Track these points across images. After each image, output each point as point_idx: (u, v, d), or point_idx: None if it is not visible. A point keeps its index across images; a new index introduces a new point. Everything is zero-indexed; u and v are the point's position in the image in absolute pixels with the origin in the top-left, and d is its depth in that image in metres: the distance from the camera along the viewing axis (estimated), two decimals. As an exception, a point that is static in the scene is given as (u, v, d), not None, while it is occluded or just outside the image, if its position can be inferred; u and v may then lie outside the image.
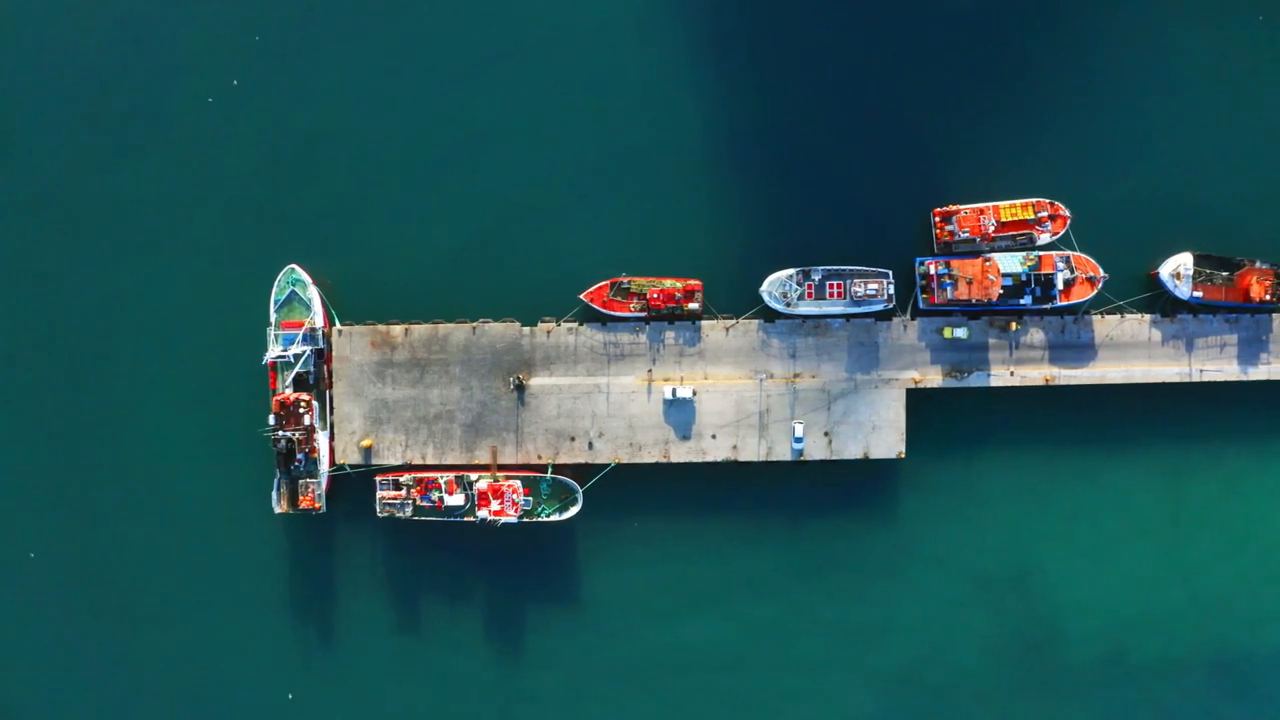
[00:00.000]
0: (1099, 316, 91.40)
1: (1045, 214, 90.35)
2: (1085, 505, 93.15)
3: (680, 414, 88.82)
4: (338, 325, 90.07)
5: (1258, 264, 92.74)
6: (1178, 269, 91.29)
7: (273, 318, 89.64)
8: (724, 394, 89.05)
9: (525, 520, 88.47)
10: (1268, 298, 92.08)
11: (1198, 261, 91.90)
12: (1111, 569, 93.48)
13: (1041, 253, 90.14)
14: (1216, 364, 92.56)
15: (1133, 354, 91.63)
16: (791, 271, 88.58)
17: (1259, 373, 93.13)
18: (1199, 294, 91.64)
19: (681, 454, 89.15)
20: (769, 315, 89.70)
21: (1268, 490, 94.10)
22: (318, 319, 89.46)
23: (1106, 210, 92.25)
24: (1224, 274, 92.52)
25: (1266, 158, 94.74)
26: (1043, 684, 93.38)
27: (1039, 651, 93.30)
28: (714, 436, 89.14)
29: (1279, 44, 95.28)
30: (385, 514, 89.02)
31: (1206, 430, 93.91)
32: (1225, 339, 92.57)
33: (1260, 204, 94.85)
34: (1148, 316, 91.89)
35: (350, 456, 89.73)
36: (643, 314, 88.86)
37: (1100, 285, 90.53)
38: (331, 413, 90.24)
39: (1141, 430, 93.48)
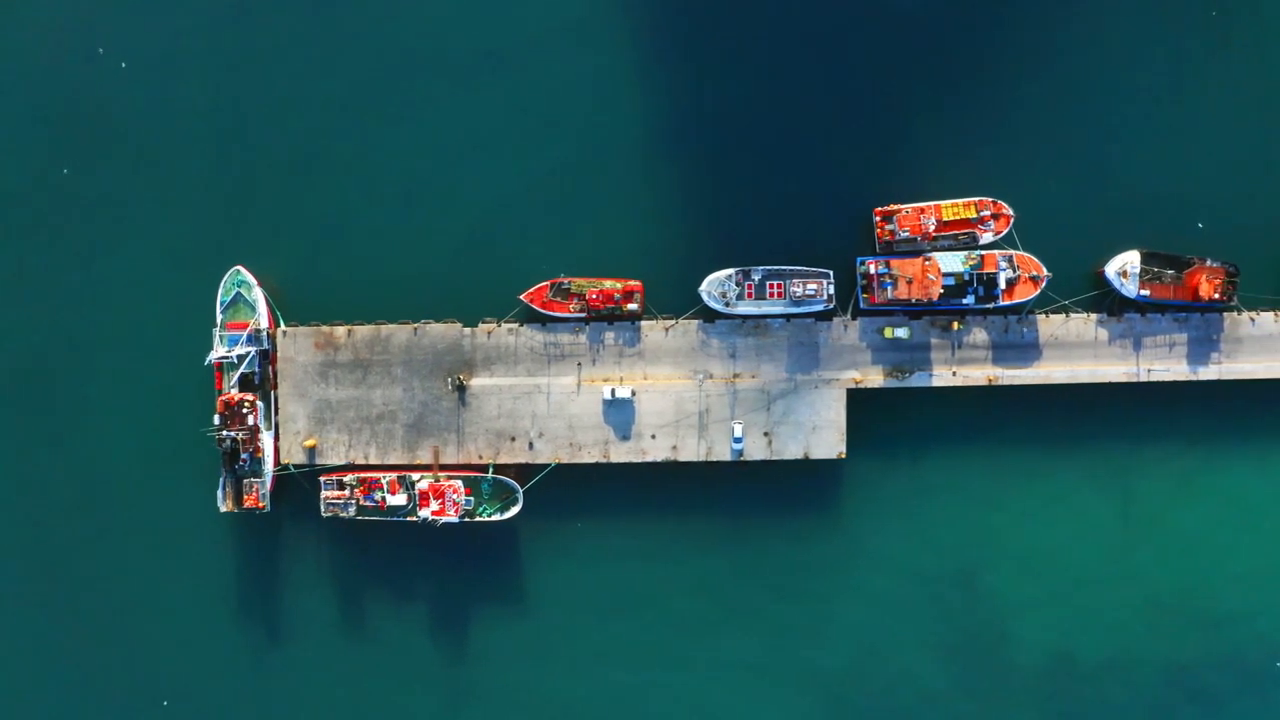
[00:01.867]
0: (1043, 316, 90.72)
1: (988, 213, 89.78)
2: (1032, 506, 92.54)
3: (620, 414, 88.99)
4: (282, 326, 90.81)
5: (1209, 262, 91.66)
6: (1124, 267, 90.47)
7: (219, 318, 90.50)
8: (663, 394, 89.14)
9: (466, 520, 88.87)
10: (1217, 296, 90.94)
11: (1145, 260, 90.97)
12: (1059, 569, 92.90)
13: (984, 252, 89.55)
14: (1165, 363, 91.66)
15: (1078, 353, 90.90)
16: (730, 271, 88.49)
17: (1209, 372, 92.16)
18: (1146, 292, 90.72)
19: (621, 454, 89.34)
20: (709, 315, 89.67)
21: (1218, 491, 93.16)
22: (263, 320, 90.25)
23: (1052, 208, 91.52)
24: (1172, 272, 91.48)
25: (1218, 154, 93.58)
26: (990, 684, 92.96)
27: (986, 652, 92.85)
28: (654, 436, 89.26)
29: (1232, 38, 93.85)
30: (329, 514, 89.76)
31: (1155, 430, 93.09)
32: (1174, 338, 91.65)
33: (1212, 202, 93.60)
34: (1094, 316, 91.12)
35: (294, 456, 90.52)
36: (582, 314, 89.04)
37: (1044, 284, 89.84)
38: (276, 413, 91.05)
39: (1089, 430, 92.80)
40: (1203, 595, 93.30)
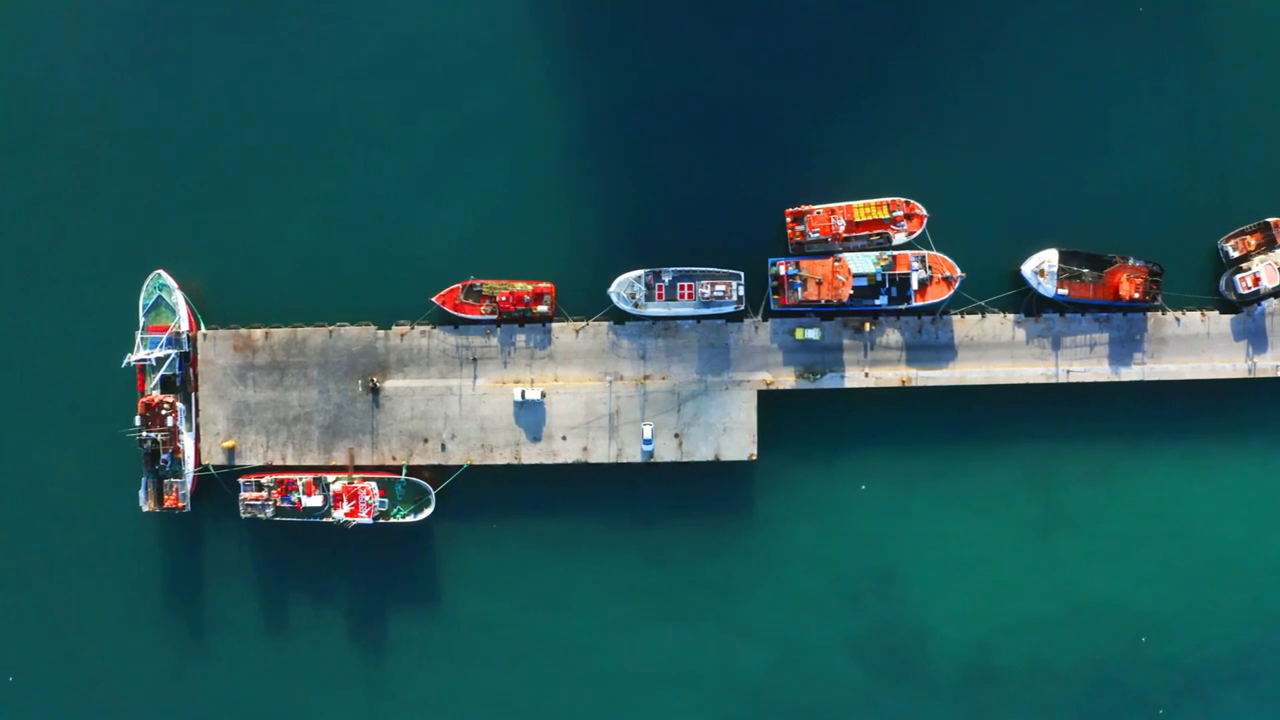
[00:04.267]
0: (959, 316, 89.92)
1: (901, 213, 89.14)
2: (949, 507, 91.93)
3: (530, 416, 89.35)
4: (203, 329, 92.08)
5: (1131, 261, 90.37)
6: (1041, 265, 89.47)
7: (141, 321, 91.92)
8: (574, 395, 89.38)
9: (380, 521, 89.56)
10: (1138, 296, 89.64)
11: (1064, 258, 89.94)
12: (978, 570, 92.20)
13: (896, 253, 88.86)
14: (1085, 364, 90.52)
15: (994, 354, 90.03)
16: (639, 273, 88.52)
17: (1132, 373, 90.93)
18: (1064, 291, 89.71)
19: (533, 455, 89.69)
20: (620, 317, 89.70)
21: (1140, 492, 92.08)
22: (183, 323, 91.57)
23: (968, 208, 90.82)
24: (1091, 271, 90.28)
25: (1144, 152, 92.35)
26: (909, 684, 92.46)
27: (904, 652, 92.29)
28: (564, 438, 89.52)
29: (1161, 35, 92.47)
30: (248, 514, 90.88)
31: (1077, 431, 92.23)
32: (1095, 338, 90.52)
33: (1137, 200, 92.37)
34: (1011, 316, 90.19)
35: (214, 457, 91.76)
36: (493, 317, 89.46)
37: (958, 285, 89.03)
38: (197, 414, 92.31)
39: (1009, 431, 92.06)
40: (1123, 596, 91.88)
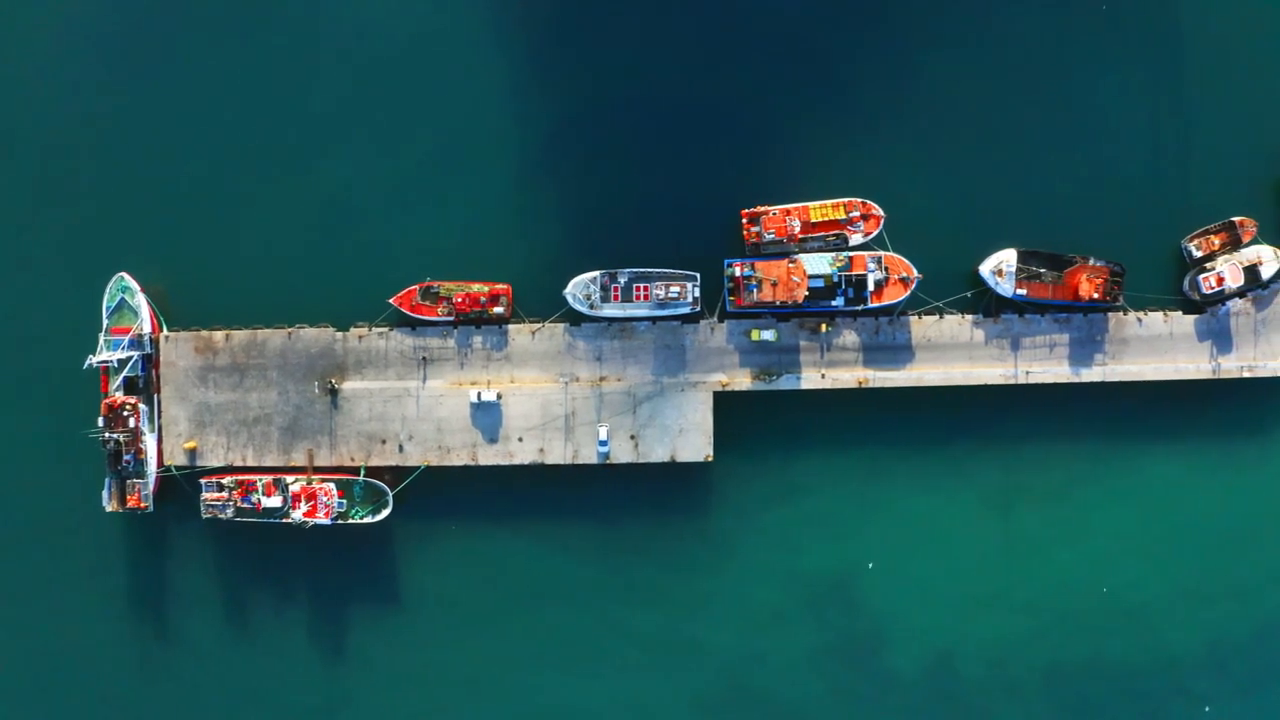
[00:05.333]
0: (916, 317, 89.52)
1: (857, 214, 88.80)
2: (908, 508, 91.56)
3: (487, 417, 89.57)
4: (165, 331, 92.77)
5: (1091, 261, 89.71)
6: (999, 265, 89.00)
7: (105, 323, 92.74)
8: (530, 397, 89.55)
9: (339, 522, 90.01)
10: (1097, 296, 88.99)
11: (1023, 258, 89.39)
12: (937, 573, 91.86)
13: (852, 253, 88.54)
14: (1045, 365, 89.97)
15: (952, 355, 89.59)
16: (595, 274, 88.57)
17: (1093, 374, 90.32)
18: (1023, 292, 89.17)
19: (489, 456, 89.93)
20: (577, 319, 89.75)
21: (1101, 493, 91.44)
22: (145, 325, 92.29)
23: (926, 208, 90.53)
24: (1050, 272, 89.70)
25: (1106, 152, 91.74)
26: (868, 689, 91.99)
27: (863, 656, 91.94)
28: (520, 439, 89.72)
29: (1121, 32, 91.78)
30: (209, 515, 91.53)
31: (1037, 433, 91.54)
32: (1055, 339, 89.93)
33: (1100, 200, 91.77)
34: (969, 317, 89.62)
35: (176, 458, 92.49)
36: (450, 318, 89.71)
37: (914, 286, 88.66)
38: (159, 416, 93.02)
39: (968, 433, 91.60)
40: (1085, 598, 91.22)
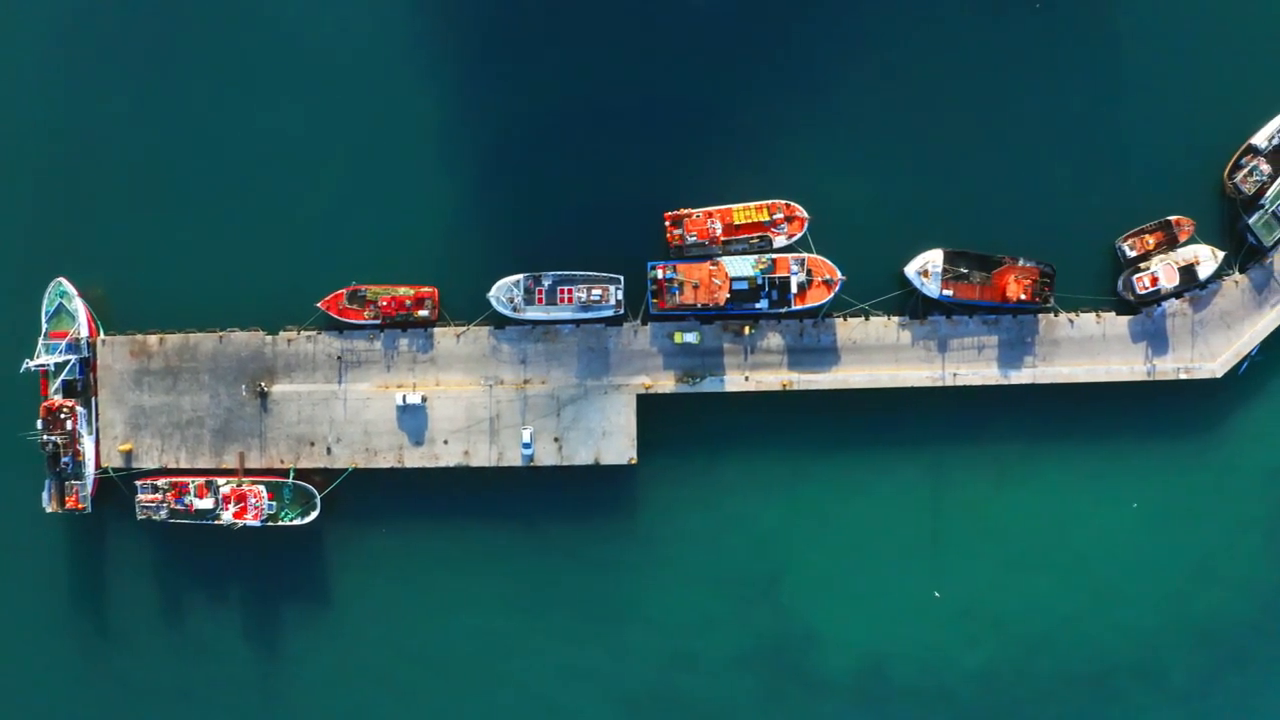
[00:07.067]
0: (841, 319, 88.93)
1: (781, 215, 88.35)
2: (836, 511, 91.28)
3: (413, 420, 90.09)
4: (102, 335, 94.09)
5: (1020, 262, 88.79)
6: (925, 266, 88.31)
7: (44, 327, 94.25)
8: (455, 400, 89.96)
9: (269, 524, 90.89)
10: (1025, 297, 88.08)
11: (950, 259, 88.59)
12: (866, 576, 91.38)
13: (775, 256, 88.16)
14: (973, 367, 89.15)
15: (878, 357, 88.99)
16: (519, 277, 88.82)
17: (1022, 376, 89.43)
18: (949, 293, 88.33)
19: (415, 459, 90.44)
20: (502, 322, 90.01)
21: (1032, 495, 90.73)
22: (83, 329, 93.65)
23: (854, 209, 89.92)
24: (979, 272, 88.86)
25: (1038, 150, 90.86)
26: (798, 693, 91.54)
27: (792, 659, 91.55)
28: (446, 442, 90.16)
29: (1055, 29, 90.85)
30: (144, 516, 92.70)
31: (968, 436, 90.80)
32: (983, 340, 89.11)
33: (1031, 200, 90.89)
34: (895, 318, 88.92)
35: (113, 460, 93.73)
36: (377, 321, 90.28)
37: (838, 288, 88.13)
38: (97, 419, 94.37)
39: (898, 436, 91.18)
40: (1014, 601, 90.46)
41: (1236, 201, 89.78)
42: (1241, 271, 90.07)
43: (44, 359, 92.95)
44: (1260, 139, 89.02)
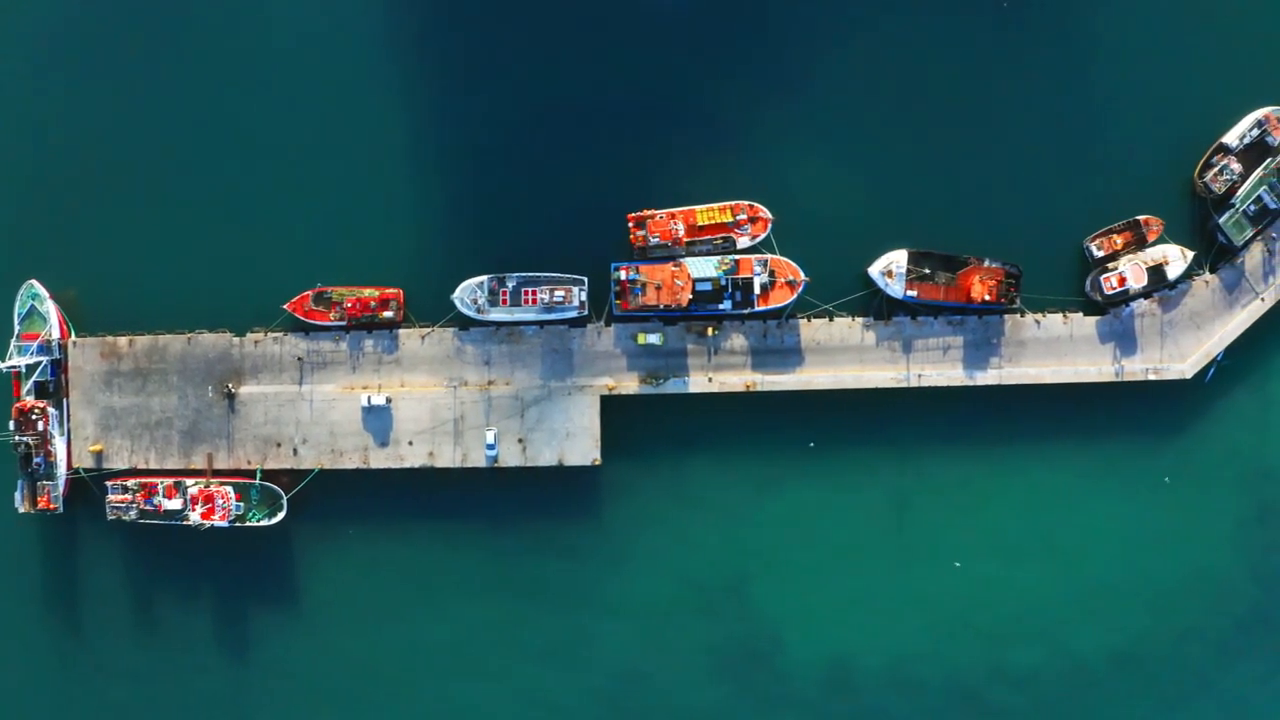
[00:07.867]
0: (805, 320, 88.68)
1: (744, 216, 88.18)
2: (802, 512, 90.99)
3: (378, 421, 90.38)
4: (74, 337, 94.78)
5: (986, 263, 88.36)
6: (889, 267, 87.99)
7: (16, 329, 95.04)
8: (419, 401, 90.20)
9: (236, 525, 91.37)
10: (989, 298, 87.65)
11: (915, 259, 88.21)
12: (832, 577, 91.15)
13: (739, 256, 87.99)
14: (938, 368, 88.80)
15: (842, 358, 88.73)
16: (483, 278, 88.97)
17: (988, 377, 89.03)
18: (914, 293, 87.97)
19: (380, 460, 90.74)
20: (467, 323, 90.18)
21: (999, 497, 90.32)
22: (54, 331, 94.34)
23: (818, 210, 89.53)
24: (944, 273, 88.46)
25: (1005, 150, 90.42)
26: (764, 695, 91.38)
27: (758, 662, 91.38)
28: (411, 443, 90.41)
29: (1022, 28, 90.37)
30: (114, 516, 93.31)
31: (934, 436, 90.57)
32: (948, 341, 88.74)
33: (997, 199, 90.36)
34: (860, 319, 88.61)
35: (84, 461, 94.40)
36: (342, 323, 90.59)
37: (801, 289, 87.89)
38: (69, 419, 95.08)
39: (862, 437, 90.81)
40: (980, 602, 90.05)
41: (1207, 201, 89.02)
42: (1212, 271, 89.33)
43: (16, 360, 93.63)
44: (1231, 138, 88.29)
